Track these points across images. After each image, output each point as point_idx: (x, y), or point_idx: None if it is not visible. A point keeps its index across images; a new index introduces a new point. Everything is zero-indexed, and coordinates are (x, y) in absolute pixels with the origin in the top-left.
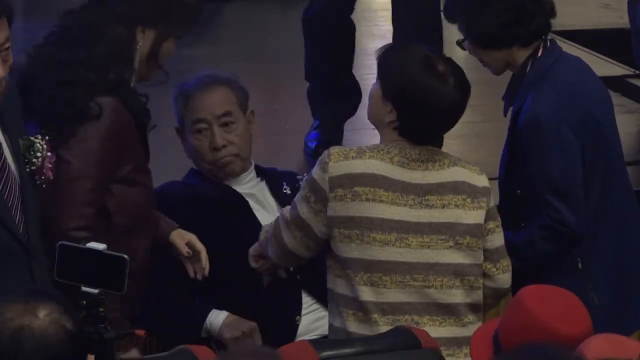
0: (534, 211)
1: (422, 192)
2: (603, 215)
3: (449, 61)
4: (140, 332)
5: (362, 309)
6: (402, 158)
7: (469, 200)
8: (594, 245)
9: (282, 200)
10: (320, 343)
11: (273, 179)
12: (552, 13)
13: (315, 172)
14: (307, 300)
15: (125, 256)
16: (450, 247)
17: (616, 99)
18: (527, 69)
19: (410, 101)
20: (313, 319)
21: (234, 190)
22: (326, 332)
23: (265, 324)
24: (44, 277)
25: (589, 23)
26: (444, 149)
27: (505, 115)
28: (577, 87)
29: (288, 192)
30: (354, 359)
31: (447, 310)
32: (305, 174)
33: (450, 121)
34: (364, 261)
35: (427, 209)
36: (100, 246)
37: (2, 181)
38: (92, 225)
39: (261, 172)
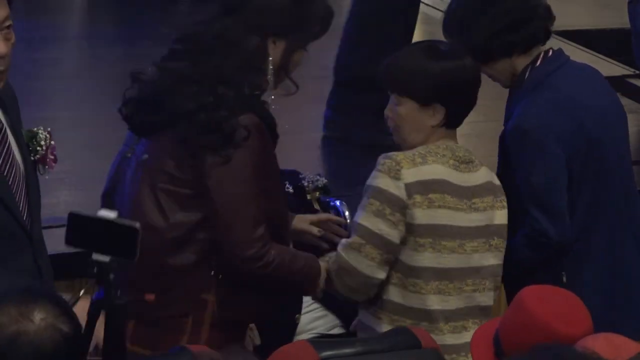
0: (521, 218)
1: (470, 195)
2: (595, 225)
3: (441, 42)
4: (150, 297)
5: (429, 318)
6: (455, 161)
7: (495, 200)
8: (583, 258)
9: None
10: (320, 343)
11: None
12: (548, 16)
13: (383, 182)
14: (306, 300)
15: (137, 225)
16: (487, 249)
17: None
18: (525, 77)
19: (455, 89)
20: (312, 318)
21: None
22: (324, 332)
23: (264, 322)
24: (48, 267)
25: (589, 23)
26: None
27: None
28: (572, 97)
29: (290, 190)
30: (354, 359)
31: (485, 312)
32: (318, 175)
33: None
34: (436, 270)
35: (476, 212)
36: (112, 215)
37: (7, 167)
38: (269, 238)
39: None
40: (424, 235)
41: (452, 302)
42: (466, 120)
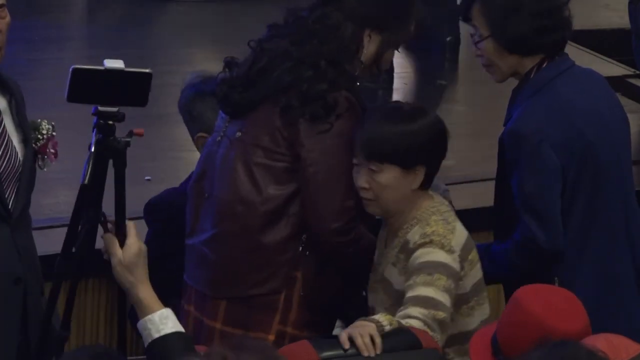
0: (514, 224)
1: None
2: (590, 231)
3: (398, 102)
4: (139, 131)
5: None
6: (455, 213)
7: None
8: (576, 264)
9: None
10: (320, 343)
11: None
12: (570, 28)
13: (443, 256)
14: None
15: (149, 70)
16: None
17: None
18: (530, 78)
19: (438, 145)
20: None
21: None
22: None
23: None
24: (28, 245)
25: (589, 23)
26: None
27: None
28: (571, 103)
29: None
30: (354, 359)
31: None
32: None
33: None
34: (484, 320)
35: None
36: (119, 64)
37: (1, 151)
38: (356, 214)
39: None
40: (472, 297)
41: None
42: (466, 120)
